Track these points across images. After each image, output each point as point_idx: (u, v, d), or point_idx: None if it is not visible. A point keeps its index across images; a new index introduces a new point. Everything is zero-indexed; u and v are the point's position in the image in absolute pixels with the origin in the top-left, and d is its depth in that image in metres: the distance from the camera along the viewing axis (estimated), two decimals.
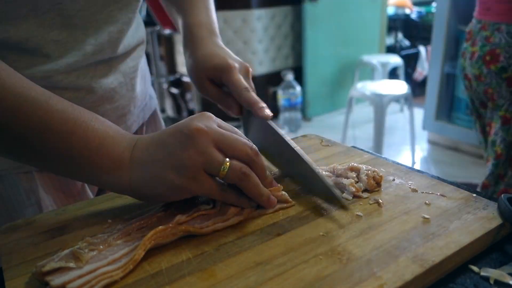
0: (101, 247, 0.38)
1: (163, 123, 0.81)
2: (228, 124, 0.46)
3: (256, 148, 0.45)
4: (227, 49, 0.61)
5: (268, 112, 0.53)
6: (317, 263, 0.37)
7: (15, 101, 0.39)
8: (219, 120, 0.45)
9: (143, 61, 0.71)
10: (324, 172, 0.54)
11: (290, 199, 0.47)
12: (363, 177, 0.50)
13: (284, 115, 3.44)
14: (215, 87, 0.59)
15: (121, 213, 0.48)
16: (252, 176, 0.44)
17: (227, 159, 0.42)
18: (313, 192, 0.49)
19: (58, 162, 0.43)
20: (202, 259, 0.38)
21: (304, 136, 0.71)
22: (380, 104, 2.57)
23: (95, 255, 0.37)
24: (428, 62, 3.95)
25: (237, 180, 0.43)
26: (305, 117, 3.67)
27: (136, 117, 0.69)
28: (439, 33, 2.83)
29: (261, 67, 3.53)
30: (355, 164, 0.53)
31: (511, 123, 1.47)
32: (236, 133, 0.45)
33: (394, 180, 0.52)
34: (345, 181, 0.50)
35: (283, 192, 0.48)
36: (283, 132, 0.53)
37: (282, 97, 3.38)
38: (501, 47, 1.41)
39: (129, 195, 0.45)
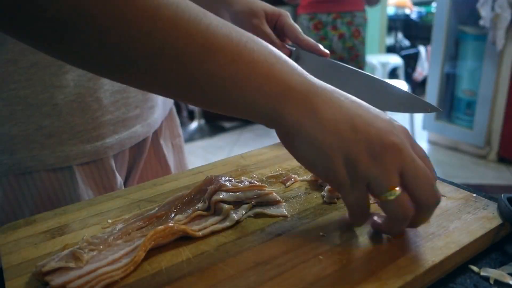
0: (101, 247, 0.38)
1: (178, 121, 0.81)
2: (421, 148, 0.39)
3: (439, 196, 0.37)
4: None
5: (327, 51, 0.59)
6: (317, 263, 0.37)
7: (171, 12, 0.33)
8: (413, 140, 0.39)
9: None
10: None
11: (279, 198, 0.47)
12: None
13: None
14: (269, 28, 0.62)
15: (121, 213, 0.48)
16: (407, 221, 0.37)
17: (398, 187, 0.35)
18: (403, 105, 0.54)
19: (215, 89, 0.36)
20: (202, 259, 0.38)
21: None
22: None
23: (95, 255, 0.37)
24: (428, 62, 3.94)
25: (392, 213, 0.37)
26: None
27: (161, 110, 0.70)
28: (439, 33, 2.84)
29: None
30: None
31: None
32: (427, 165, 0.37)
33: None
34: None
35: (274, 193, 0.47)
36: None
37: None
38: None
39: (276, 130, 0.38)
